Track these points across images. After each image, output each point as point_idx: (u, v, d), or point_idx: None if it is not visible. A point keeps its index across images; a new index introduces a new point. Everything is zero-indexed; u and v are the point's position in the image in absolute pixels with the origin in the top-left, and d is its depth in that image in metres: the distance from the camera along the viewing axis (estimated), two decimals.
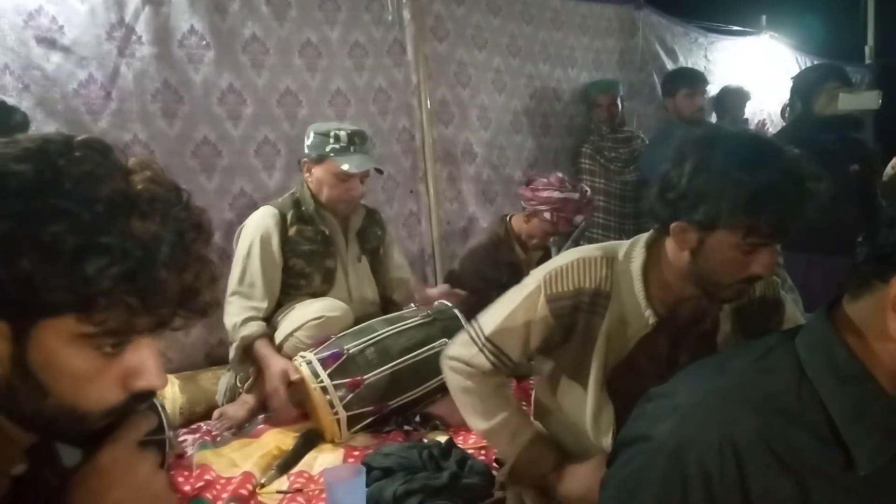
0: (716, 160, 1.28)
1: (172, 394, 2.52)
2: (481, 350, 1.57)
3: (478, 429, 1.64)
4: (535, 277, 1.53)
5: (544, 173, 3.10)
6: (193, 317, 0.80)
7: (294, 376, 2.28)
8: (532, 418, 1.77)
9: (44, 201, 0.68)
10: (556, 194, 2.87)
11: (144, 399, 0.80)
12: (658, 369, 1.45)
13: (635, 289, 1.46)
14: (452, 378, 1.64)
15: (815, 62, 6.04)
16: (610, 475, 0.92)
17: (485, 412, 1.60)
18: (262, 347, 2.38)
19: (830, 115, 3.08)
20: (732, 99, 4.67)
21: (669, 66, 4.73)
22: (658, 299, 1.47)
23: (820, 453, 0.78)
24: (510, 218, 3.13)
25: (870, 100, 3.12)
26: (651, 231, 1.50)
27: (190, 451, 2.20)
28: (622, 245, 1.53)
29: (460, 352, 1.62)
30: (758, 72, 5.36)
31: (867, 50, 6.55)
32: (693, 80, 4.00)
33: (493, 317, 1.58)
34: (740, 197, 1.25)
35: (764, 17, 5.76)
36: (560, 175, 2.98)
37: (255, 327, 2.41)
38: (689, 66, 4.95)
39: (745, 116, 4.81)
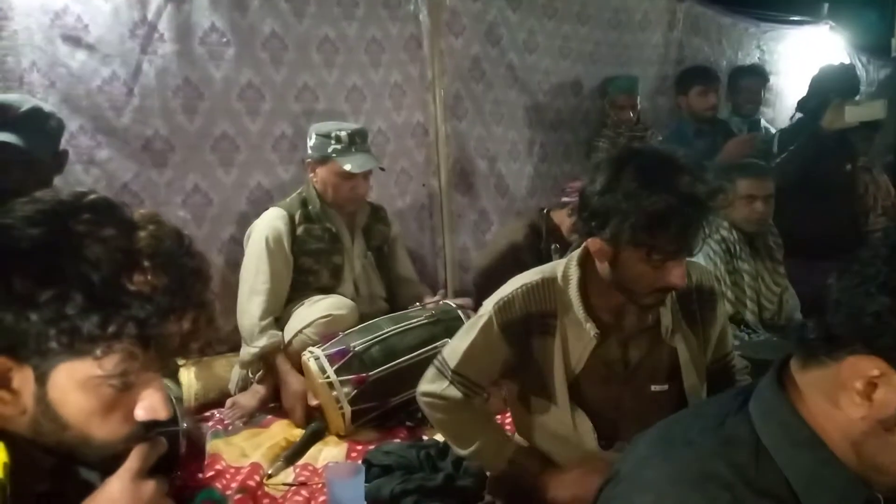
0: (621, 182, 1.35)
1: (188, 380, 2.64)
2: (452, 383, 1.64)
3: (461, 454, 1.72)
4: (487, 308, 1.60)
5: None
6: (193, 356, 0.90)
7: (312, 402, 2.43)
8: (516, 434, 1.83)
9: (54, 262, 0.77)
10: None
11: (153, 427, 0.90)
12: (617, 370, 1.57)
13: (575, 306, 1.53)
14: (429, 412, 1.71)
15: (865, 58, 5.89)
16: None
17: (465, 439, 1.67)
18: (282, 363, 2.51)
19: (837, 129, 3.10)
20: (742, 82, 4.18)
21: (714, 58, 4.62)
22: (601, 308, 1.55)
23: None
24: (548, 211, 3.08)
25: (876, 110, 3.10)
26: (581, 247, 1.57)
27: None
28: (560, 265, 1.60)
29: (432, 387, 1.67)
30: (815, 63, 4.67)
31: (893, 42, 6.45)
32: (706, 76, 3.94)
33: (455, 350, 1.64)
34: (639, 219, 1.33)
35: (826, 6, 5.51)
36: None
37: (275, 339, 2.51)
38: (741, 57, 4.78)
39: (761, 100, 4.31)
